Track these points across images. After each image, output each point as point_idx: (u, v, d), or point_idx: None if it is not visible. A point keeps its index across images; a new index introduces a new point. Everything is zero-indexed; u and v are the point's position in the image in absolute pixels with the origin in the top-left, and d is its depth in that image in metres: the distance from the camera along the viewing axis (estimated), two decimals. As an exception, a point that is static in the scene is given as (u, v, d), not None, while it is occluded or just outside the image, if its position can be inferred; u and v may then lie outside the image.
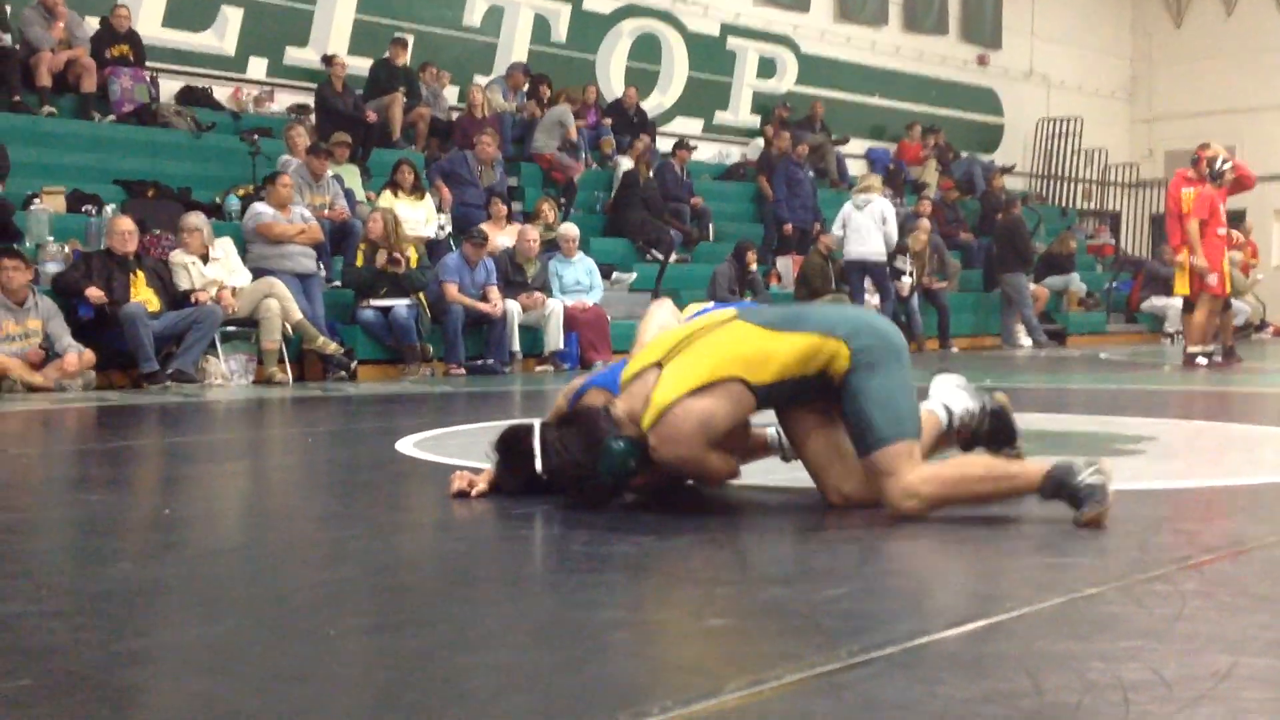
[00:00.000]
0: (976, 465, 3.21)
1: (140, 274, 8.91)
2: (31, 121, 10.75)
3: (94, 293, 8.56)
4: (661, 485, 3.46)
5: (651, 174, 14.04)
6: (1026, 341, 15.28)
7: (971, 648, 2.02)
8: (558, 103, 14.50)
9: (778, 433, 3.58)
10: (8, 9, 11.04)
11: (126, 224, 8.94)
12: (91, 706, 1.77)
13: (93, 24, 11.77)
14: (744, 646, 2.05)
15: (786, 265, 14.65)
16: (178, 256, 9.37)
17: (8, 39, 10.85)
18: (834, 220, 13.61)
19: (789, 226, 14.93)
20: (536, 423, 3.44)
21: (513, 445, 3.45)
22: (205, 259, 9.42)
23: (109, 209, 9.82)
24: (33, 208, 9.58)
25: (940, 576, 2.57)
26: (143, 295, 8.82)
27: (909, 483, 3.08)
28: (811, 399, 3.28)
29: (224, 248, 9.63)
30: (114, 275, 8.73)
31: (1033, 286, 15.64)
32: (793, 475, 3.59)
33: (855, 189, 13.81)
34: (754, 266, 13.07)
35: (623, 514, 3.33)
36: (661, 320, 3.65)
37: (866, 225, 13.05)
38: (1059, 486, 3.02)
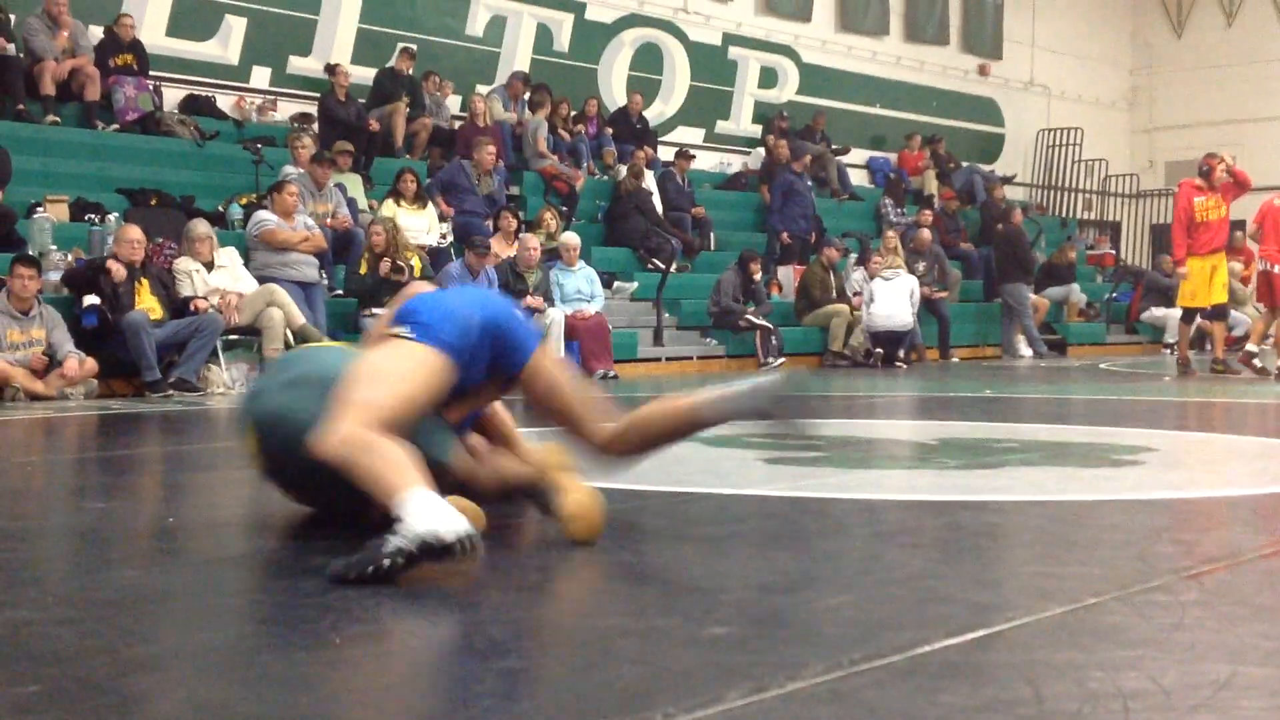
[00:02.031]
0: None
1: (145, 282, 8.94)
2: (35, 130, 10.78)
3: (114, 266, 8.62)
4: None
5: (644, 184, 14.06)
6: (1027, 352, 15.29)
7: (972, 656, 2.04)
8: (556, 112, 14.54)
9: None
10: (12, 18, 11.06)
11: (135, 232, 8.98)
12: (99, 713, 1.79)
13: (97, 33, 11.80)
14: (746, 654, 2.06)
15: (787, 275, 14.67)
16: (182, 264, 9.40)
17: (12, 48, 10.88)
18: (846, 272, 13.78)
19: (785, 235, 14.96)
20: None
21: None
22: (210, 267, 9.45)
23: (111, 217, 9.85)
24: (35, 216, 9.60)
25: (940, 585, 2.59)
26: (146, 303, 8.85)
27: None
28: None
29: (229, 256, 9.66)
30: (119, 283, 8.76)
31: (1033, 297, 15.66)
32: (796, 486, 3.61)
33: (877, 258, 13.89)
34: (758, 276, 13.10)
35: (625, 524, 3.34)
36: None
37: (894, 298, 13.24)
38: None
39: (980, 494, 3.93)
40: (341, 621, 2.31)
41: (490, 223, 12.16)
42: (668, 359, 12.61)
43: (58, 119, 11.10)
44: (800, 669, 1.91)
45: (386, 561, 2.49)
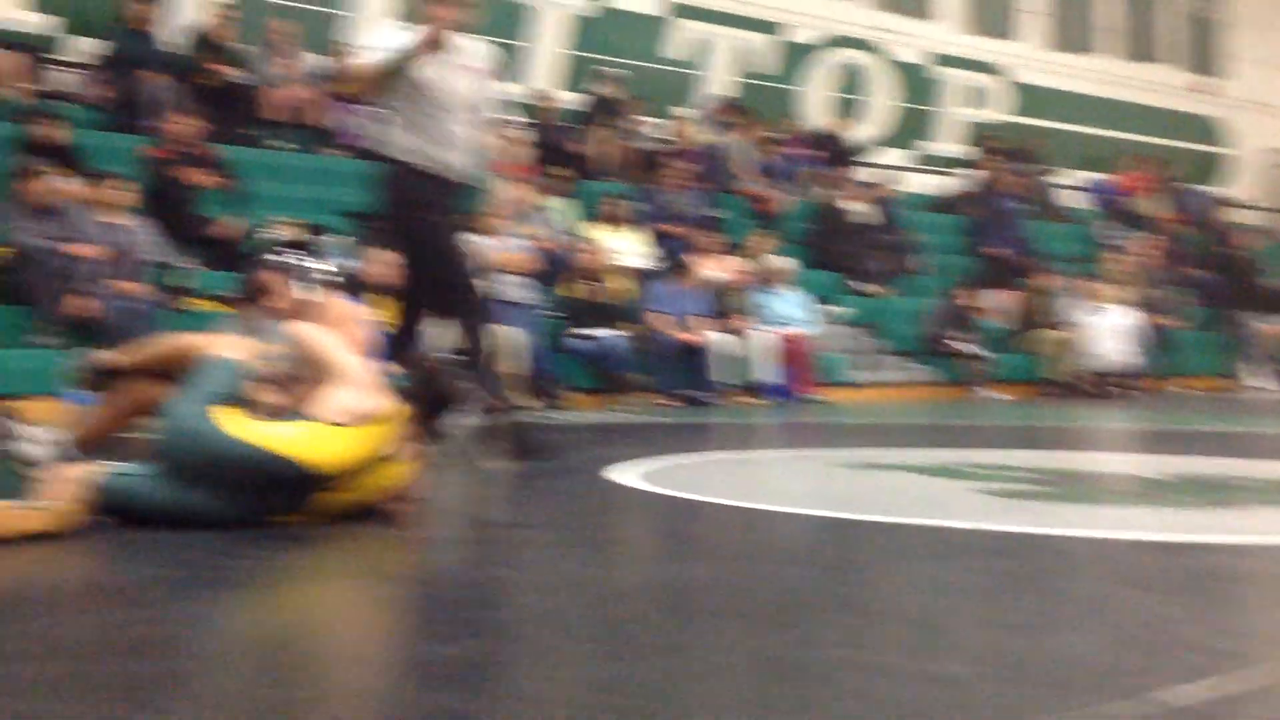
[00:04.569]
0: None
1: (388, 303, 9.24)
2: (264, 155, 11.30)
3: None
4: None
5: (847, 206, 13.94)
6: (1260, 383, 14.55)
7: (1213, 706, 1.94)
8: (756, 134, 14.55)
9: None
10: (243, 47, 11.64)
11: (386, 256, 9.27)
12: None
13: (322, 61, 12.32)
14: (974, 694, 2.01)
15: (999, 300, 14.31)
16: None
17: (243, 77, 11.44)
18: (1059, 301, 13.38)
19: (995, 259, 14.61)
20: None
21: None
22: None
23: (336, 240, 10.26)
24: (267, 237, 10.06)
25: (1179, 630, 2.48)
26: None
27: None
28: None
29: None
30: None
31: (1264, 325, 14.92)
32: (1018, 520, 3.51)
33: (1096, 284, 13.52)
34: (969, 301, 12.84)
35: (839, 554, 3.31)
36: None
37: (1113, 326, 12.90)
38: None
39: (1221, 535, 3.75)
40: (561, 642, 2.33)
41: (693, 244, 12.21)
42: (875, 384, 12.45)
43: (286, 145, 11.62)
44: (1034, 712, 1.86)
45: None
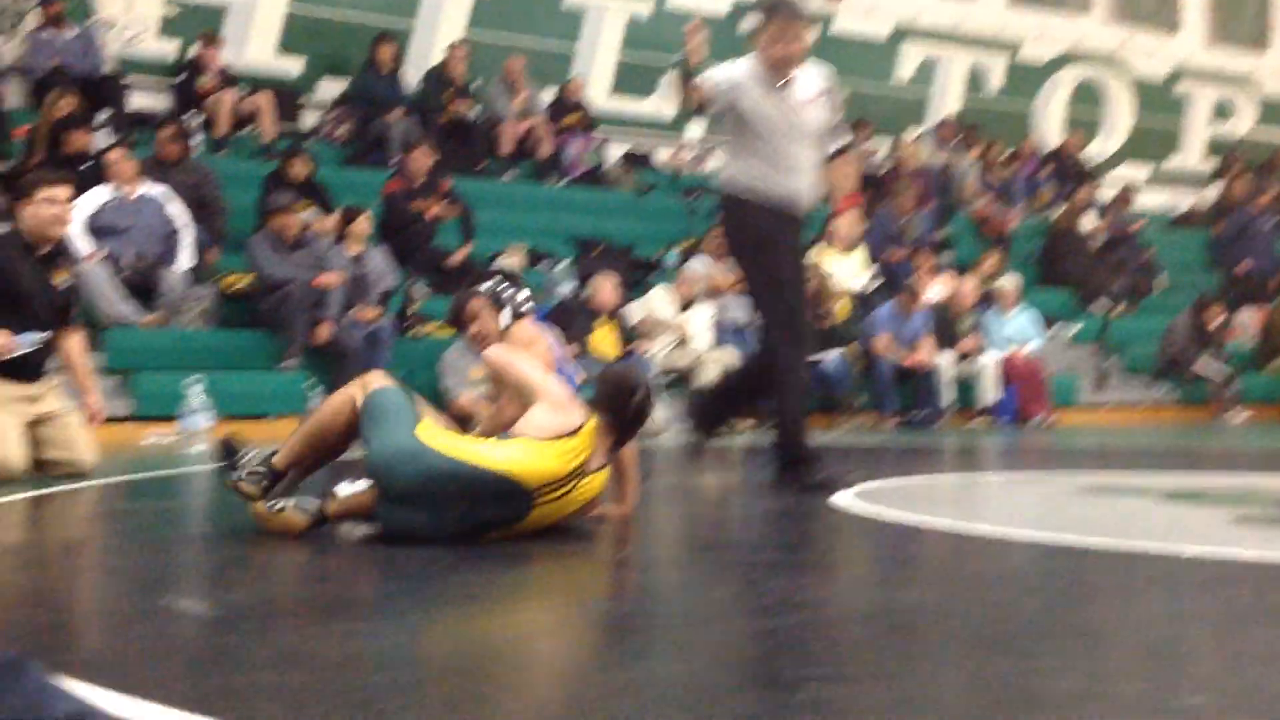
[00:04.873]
0: None
1: (611, 326, 9.46)
2: (495, 186, 11.66)
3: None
4: None
5: (1083, 223, 13.47)
6: None
7: None
8: (987, 153, 14.24)
9: None
10: (475, 83, 12.05)
11: (612, 282, 9.49)
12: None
13: (548, 95, 12.66)
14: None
15: (1243, 317, 13.59)
16: (631, 309, 9.91)
17: (474, 112, 11.85)
18: None
19: (1241, 273, 13.89)
20: None
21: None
22: (685, 308, 9.89)
23: (561, 265, 10.50)
24: (497, 265, 10.38)
25: None
26: (605, 341, 9.35)
27: None
28: None
29: (704, 308, 10.06)
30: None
31: None
32: (1270, 549, 3.32)
33: None
34: (1215, 321, 12.22)
35: (1072, 580, 3.19)
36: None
37: None
38: None
39: None
40: (793, 663, 2.31)
41: (919, 265, 12.01)
42: (1112, 406, 11.98)
43: (515, 175, 11.97)
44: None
45: None
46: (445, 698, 2.01)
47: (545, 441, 3.63)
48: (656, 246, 11.74)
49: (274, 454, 3.81)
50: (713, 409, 5.68)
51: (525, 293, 4.74)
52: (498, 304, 4.56)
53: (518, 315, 4.59)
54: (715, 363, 9.55)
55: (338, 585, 3.16)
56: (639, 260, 11.29)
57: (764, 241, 5.14)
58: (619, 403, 3.74)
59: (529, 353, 4.26)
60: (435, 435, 3.62)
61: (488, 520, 3.57)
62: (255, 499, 3.73)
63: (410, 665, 2.33)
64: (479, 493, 3.53)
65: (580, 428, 3.67)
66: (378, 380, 3.81)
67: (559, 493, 3.63)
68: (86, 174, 8.55)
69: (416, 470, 3.51)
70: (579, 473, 3.66)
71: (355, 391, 3.73)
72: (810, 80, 5.24)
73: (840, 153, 5.44)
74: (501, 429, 3.82)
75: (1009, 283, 11.51)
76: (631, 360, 9.27)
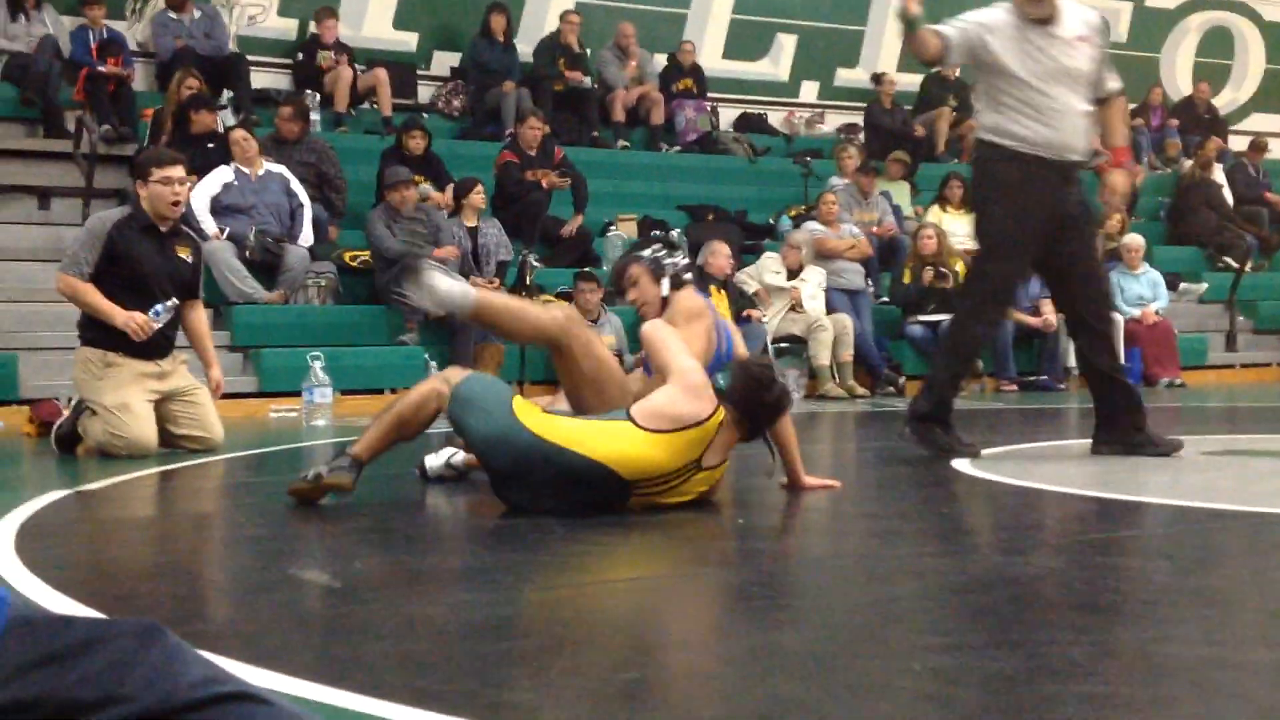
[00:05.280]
0: None
1: (724, 294, 9.43)
2: (607, 155, 11.67)
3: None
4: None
5: (1212, 176, 13.03)
6: None
7: None
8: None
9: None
10: (587, 51, 12.06)
11: (726, 249, 9.47)
12: (606, 703, 1.88)
13: (660, 60, 12.61)
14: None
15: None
16: (744, 276, 9.84)
17: (587, 80, 11.85)
18: None
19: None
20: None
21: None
22: (794, 275, 9.79)
23: (674, 233, 10.47)
24: (609, 234, 10.40)
25: None
26: (719, 312, 9.32)
27: None
28: None
29: (815, 273, 9.94)
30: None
31: None
32: None
33: None
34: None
35: (1202, 544, 3.10)
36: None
37: None
38: None
39: None
40: (911, 631, 2.29)
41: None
42: (1242, 365, 11.61)
43: (627, 143, 11.97)
44: None
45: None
46: (565, 667, 2.03)
47: (658, 434, 3.53)
48: (770, 212, 11.66)
49: (348, 446, 3.80)
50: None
51: (685, 260, 4.60)
52: (658, 271, 4.44)
53: (677, 284, 4.45)
54: (828, 329, 9.46)
55: (457, 556, 3.20)
56: (752, 226, 11.21)
57: (1008, 195, 4.83)
58: (752, 400, 3.66)
59: (693, 325, 4.17)
60: (531, 414, 3.60)
61: (585, 502, 3.54)
62: (350, 489, 3.72)
63: (529, 635, 2.36)
64: (572, 477, 3.51)
65: (706, 420, 3.58)
66: (458, 373, 3.81)
67: (663, 486, 3.57)
68: (212, 154, 8.75)
69: (515, 449, 3.52)
70: (693, 467, 3.59)
71: (438, 385, 3.70)
72: (1076, 18, 4.87)
73: (1110, 98, 4.99)
74: (621, 405, 3.77)
75: (1134, 241, 11.20)
76: (766, 354, 9.25)
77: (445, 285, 3.92)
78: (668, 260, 4.45)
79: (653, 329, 3.92)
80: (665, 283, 4.41)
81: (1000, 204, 4.88)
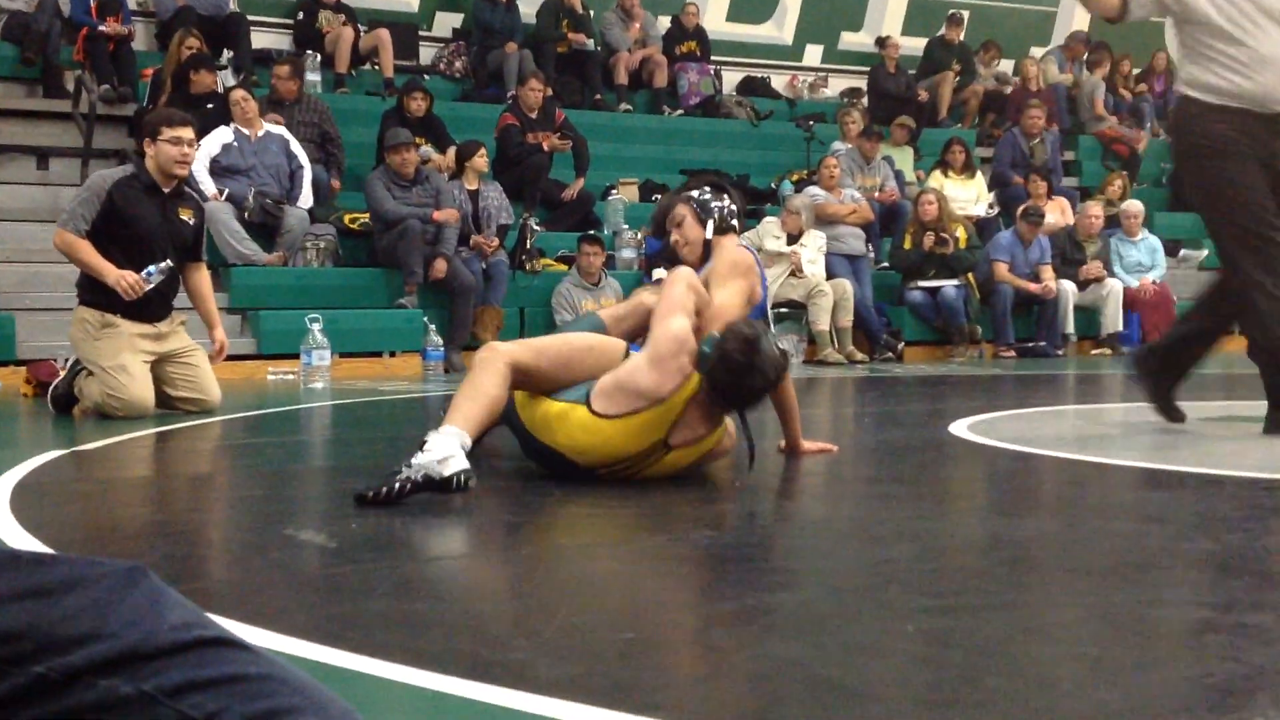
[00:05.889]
0: None
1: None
2: (609, 118, 11.62)
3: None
4: None
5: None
6: None
7: None
8: (1117, 71, 13.79)
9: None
10: (590, 13, 11.99)
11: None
12: (602, 663, 1.89)
13: (664, 23, 12.54)
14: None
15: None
16: (752, 238, 9.84)
17: (590, 42, 11.79)
18: None
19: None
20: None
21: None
22: (794, 239, 9.75)
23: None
24: (610, 198, 10.37)
25: None
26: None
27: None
28: None
29: (815, 238, 9.88)
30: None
31: None
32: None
33: None
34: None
35: (1203, 510, 3.10)
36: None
37: None
38: None
39: None
40: (905, 592, 2.30)
41: (1042, 190, 11.72)
42: (1241, 332, 11.59)
43: (629, 106, 11.92)
44: None
45: (396, 485, 3.05)
46: (562, 627, 2.03)
47: (612, 420, 3.37)
48: (773, 176, 11.62)
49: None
50: (1166, 366, 5.18)
51: (734, 206, 4.36)
52: (704, 213, 4.24)
53: (722, 230, 4.24)
54: (828, 294, 9.45)
55: (457, 517, 3.20)
56: (754, 190, 11.20)
57: (1217, 151, 4.45)
58: (728, 386, 3.37)
59: (730, 284, 3.93)
60: (519, 393, 3.58)
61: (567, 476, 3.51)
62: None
63: (525, 596, 2.36)
64: (542, 457, 3.56)
65: (667, 397, 3.37)
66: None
67: (628, 469, 3.46)
68: (211, 115, 8.72)
69: (510, 423, 3.64)
70: (660, 447, 3.43)
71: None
72: None
73: None
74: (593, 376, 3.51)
75: (1133, 208, 11.17)
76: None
77: (438, 457, 3.20)
78: (715, 204, 4.22)
79: (672, 282, 3.69)
80: (710, 225, 4.21)
81: (1214, 160, 4.50)
